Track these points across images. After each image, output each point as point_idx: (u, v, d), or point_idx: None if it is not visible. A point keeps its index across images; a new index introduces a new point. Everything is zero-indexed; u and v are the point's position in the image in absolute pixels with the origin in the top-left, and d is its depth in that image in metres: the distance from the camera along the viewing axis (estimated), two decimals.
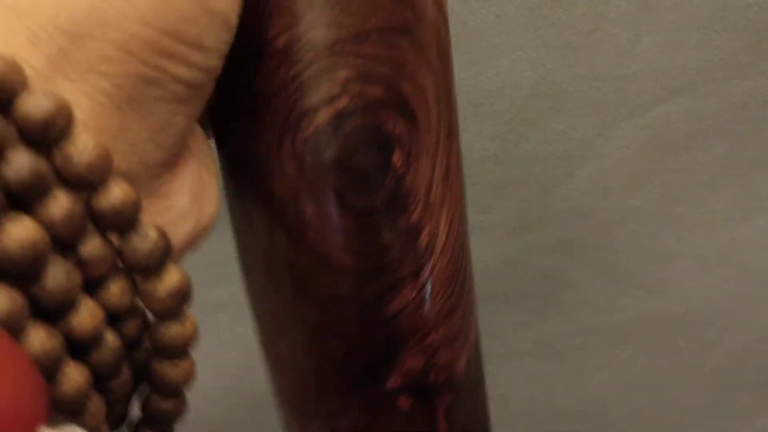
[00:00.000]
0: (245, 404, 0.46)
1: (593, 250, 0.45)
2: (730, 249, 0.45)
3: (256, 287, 0.24)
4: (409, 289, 0.22)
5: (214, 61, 0.18)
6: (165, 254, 0.17)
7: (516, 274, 0.45)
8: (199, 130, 0.21)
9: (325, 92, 0.20)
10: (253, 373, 0.46)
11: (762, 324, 0.46)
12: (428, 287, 0.22)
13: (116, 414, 0.18)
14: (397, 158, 0.21)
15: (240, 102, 0.21)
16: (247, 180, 0.21)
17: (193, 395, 0.47)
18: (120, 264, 0.17)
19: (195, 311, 0.46)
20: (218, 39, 0.18)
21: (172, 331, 0.18)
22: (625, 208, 0.44)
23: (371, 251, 0.21)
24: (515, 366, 0.47)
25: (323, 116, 0.20)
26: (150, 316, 0.18)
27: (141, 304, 0.18)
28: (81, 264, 0.16)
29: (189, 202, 0.20)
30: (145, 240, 0.17)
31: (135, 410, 0.19)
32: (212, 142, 0.22)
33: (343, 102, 0.20)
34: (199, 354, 0.48)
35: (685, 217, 0.45)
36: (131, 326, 0.18)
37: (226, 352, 0.46)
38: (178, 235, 0.19)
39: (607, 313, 0.46)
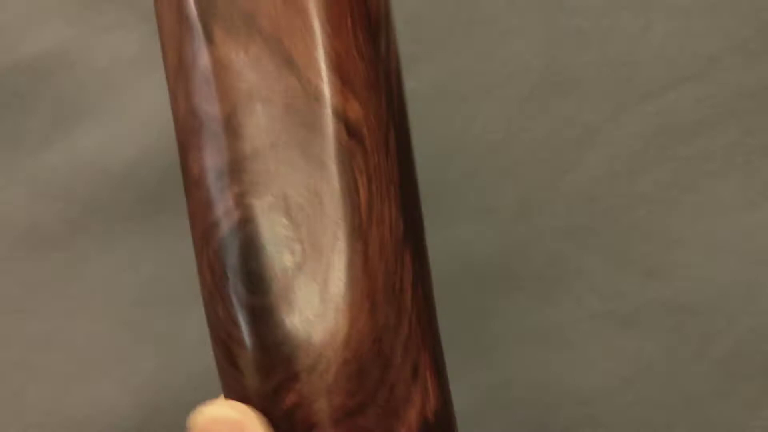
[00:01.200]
0: None
1: (601, 236, 0.44)
2: (739, 237, 0.45)
3: None
4: (303, 384, 0.22)
5: None
6: None
7: (523, 258, 0.45)
8: None
9: (221, 209, 0.22)
10: None
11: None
12: (323, 382, 0.23)
13: None
14: (289, 261, 0.22)
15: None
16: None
17: (198, 377, 0.46)
18: None
19: (198, 290, 0.44)
20: None
21: None
22: (633, 195, 0.44)
23: (266, 347, 0.22)
24: (521, 351, 0.46)
25: (222, 230, 0.22)
26: None
27: None
28: None
29: None
30: None
31: None
32: None
33: (236, 215, 0.22)
34: (205, 336, 0.47)
35: (693, 204, 0.44)
36: None
37: None
38: None
39: (614, 299, 0.45)
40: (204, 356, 0.46)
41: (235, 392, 0.23)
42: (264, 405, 0.22)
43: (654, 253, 0.45)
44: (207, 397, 0.46)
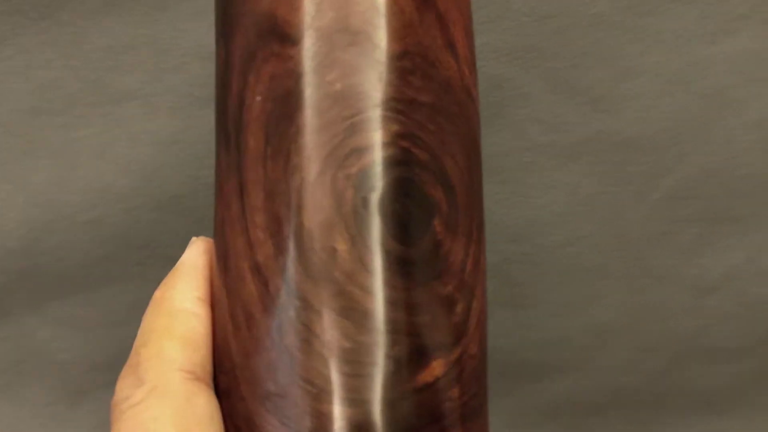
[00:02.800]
0: (150, 205, 0.43)
1: (549, 60, 0.41)
2: (693, 70, 0.42)
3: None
4: (439, 365, 0.22)
5: None
6: None
7: None
8: None
9: (375, 137, 0.22)
10: (162, 172, 0.42)
11: (718, 153, 0.44)
12: (456, 370, 0.22)
13: None
14: (437, 223, 0.22)
15: (278, 130, 0.22)
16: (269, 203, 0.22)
17: (95, 192, 0.43)
18: None
19: (99, 99, 0.40)
20: None
21: None
22: (588, 15, 0.41)
23: (401, 304, 0.21)
24: None
25: (370, 158, 0.22)
26: None
27: None
28: None
29: None
30: None
31: None
32: None
33: (391, 151, 0.22)
34: (103, 147, 0.43)
35: (651, 30, 0.41)
36: None
37: (134, 147, 0.42)
38: None
39: (557, 130, 0.43)
40: (101, 171, 0.42)
41: None
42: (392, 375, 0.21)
43: (603, 81, 0.42)
44: (103, 216, 0.42)
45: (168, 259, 0.44)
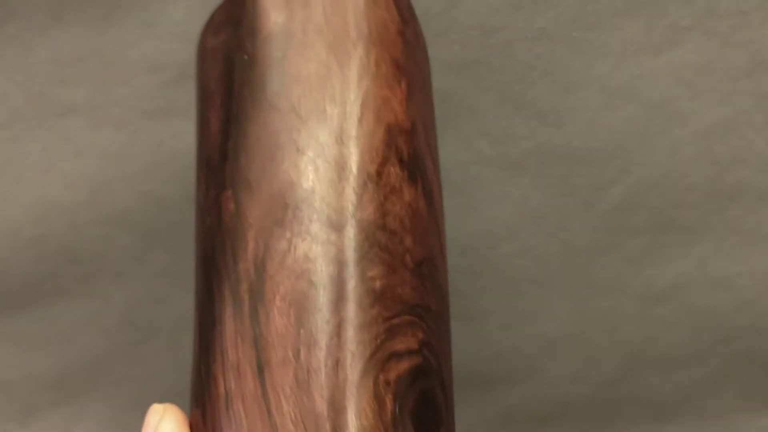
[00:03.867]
0: (97, 220, 0.42)
1: (496, 74, 0.41)
2: (638, 82, 0.43)
3: None
4: None
5: None
6: None
7: None
8: None
9: (409, 344, 0.23)
10: (108, 187, 0.42)
11: (663, 164, 0.44)
12: None
13: None
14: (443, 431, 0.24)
15: (314, 316, 0.23)
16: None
17: (40, 208, 0.42)
18: None
19: (44, 113, 0.39)
20: None
21: None
22: (533, 30, 0.41)
23: None
24: None
25: (405, 365, 0.23)
26: None
27: None
28: None
29: None
30: None
31: None
32: None
33: (418, 360, 0.23)
34: (49, 162, 0.42)
35: (596, 43, 0.42)
36: None
37: (80, 162, 0.41)
38: None
39: (504, 143, 0.43)
40: (47, 186, 0.41)
41: None
42: None
43: (549, 94, 0.42)
44: (49, 231, 0.42)
45: (115, 275, 0.44)
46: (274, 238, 0.23)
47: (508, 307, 0.47)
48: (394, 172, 0.24)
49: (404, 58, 0.26)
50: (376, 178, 0.24)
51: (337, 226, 0.23)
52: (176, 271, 0.43)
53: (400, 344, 0.23)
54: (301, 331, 0.22)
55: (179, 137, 0.41)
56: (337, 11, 0.25)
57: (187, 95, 0.40)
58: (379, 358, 0.22)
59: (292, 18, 0.25)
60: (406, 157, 0.25)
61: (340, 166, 0.24)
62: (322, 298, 0.23)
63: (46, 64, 0.40)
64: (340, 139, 0.24)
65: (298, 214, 0.23)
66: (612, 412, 0.51)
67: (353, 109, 0.24)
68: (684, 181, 0.45)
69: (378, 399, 0.22)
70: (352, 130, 0.24)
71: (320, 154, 0.24)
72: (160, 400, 0.45)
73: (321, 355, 0.22)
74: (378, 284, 0.23)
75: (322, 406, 0.22)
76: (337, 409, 0.22)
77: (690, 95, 0.43)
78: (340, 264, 0.23)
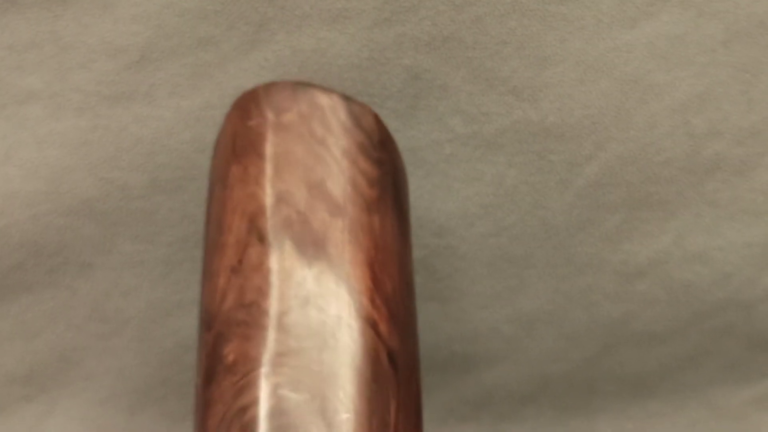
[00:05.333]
0: (60, 210, 0.41)
1: (469, 50, 0.41)
2: (613, 56, 0.42)
3: None
4: None
5: None
6: None
7: (382, 72, 0.41)
8: None
9: (255, 395, 0.24)
10: (71, 175, 0.41)
11: (639, 140, 0.45)
12: None
13: None
14: None
15: None
16: None
17: (1, 199, 0.41)
18: None
19: (2, 101, 0.38)
20: None
21: None
22: (505, 3, 0.41)
23: None
24: None
25: (253, 413, 0.23)
26: None
27: None
28: None
29: None
30: None
31: None
32: None
33: (272, 403, 0.23)
34: (8, 151, 0.41)
35: (570, 17, 0.41)
36: None
37: (40, 150, 0.40)
38: None
39: (478, 121, 0.43)
40: (7, 176, 0.40)
41: None
42: None
43: (523, 70, 0.42)
44: (10, 223, 0.41)
45: (81, 266, 0.43)
46: None
47: (486, 287, 0.47)
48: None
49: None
50: None
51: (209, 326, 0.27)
52: (144, 261, 0.43)
53: None
54: None
55: (142, 122, 0.40)
56: None
57: (149, 79, 0.39)
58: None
59: None
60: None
61: None
62: None
63: (2, 50, 0.39)
64: None
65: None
66: (592, 389, 0.52)
67: None
68: (660, 156, 0.45)
69: None
70: None
71: None
72: (132, 393, 0.45)
73: None
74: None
75: None
76: None
77: (666, 68, 0.43)
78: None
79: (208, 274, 0.27)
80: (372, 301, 0.25)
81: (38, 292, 0.43)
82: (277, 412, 0.23)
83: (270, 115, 0.30)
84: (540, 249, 0.47)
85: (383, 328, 0.25)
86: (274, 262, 0.25)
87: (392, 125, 0.42)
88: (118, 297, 0.44)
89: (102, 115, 0.40)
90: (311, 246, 0.25)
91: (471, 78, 0.42)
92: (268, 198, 0.27)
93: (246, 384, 0.23)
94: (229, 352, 0.24)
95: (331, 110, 0.30)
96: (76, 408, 0.46)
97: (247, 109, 0.32)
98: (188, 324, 0.45)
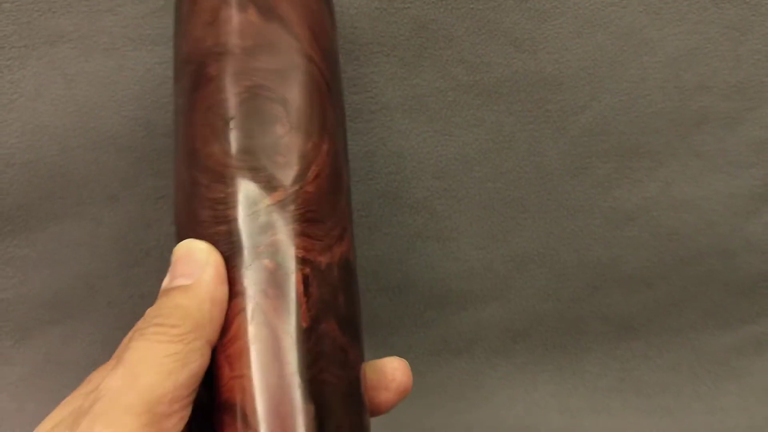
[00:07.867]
0: (88, 145, 0.43)
1: (472, 2, 0.42)
2: (610, 11, 0.43)
3: None
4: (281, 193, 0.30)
5: None
6: None
7: (391, 22, 0.42)
8: None
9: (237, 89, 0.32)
10: (98, 113, 0.43)
11: (632, 90, 0.45)
12: (294, 197, 0.31)
13: None
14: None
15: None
16: None
17: (31, 134, 0.43)
18: None
19: (32, 41, 0.40)
20: None
21: None
22: None
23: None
24: (384, 121, 0.45)
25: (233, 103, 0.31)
26: None
27: None
28: None
29: None
30: None
31: None
32: None
33: (245, 96, 0.32)
34: (38, 88, 0.43)
35: None
36: None
37: (70, 88, 0.42)
38: None
39: (480, 70, 0.44)
40: (38, 112, 0.42)
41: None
42: None
43: (524, 22, 0.43)
44: (40, 156, 0.42)
45: (106, 198, 0.45)
46: None
47: (482, 228, 0.48)
48: None
49: None
50: None
51: None
52: (165, 195, 0.44)
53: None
54: None
55: (166, 64, 0.42)
56: None
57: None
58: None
59: None
60: None
61: None
62: None
63: None
64: None
65: None
66: (581, 328, 0.53)
67: None
68: (651, 108, 0.46)
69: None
70: None
71: None
72: None
73: None
74: None
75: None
76: None
77: (658, 24, 0.44)
78: None
79: (184, 32, 0.33)
80: (312, 47, 0.32)
81: (65, 222, 0.44)
82: (251, 97, 0.30)
83: None
84: (534, 193, 0.48)
85: (322, 65, 0.32)
86: (242, 17, 0.31)
87: (399, 73, 0.44)
88: (140, 228, 0.45)
89: (128, 57, 0.41)
90: (267, 11, 0.31)
91: (474, 29, 0.43)
92: None
93: (223, 86, 0.30)
94: (211, 71, 0.31)
95: None
96: (98, 332, 0.47)
97: None
98: None
